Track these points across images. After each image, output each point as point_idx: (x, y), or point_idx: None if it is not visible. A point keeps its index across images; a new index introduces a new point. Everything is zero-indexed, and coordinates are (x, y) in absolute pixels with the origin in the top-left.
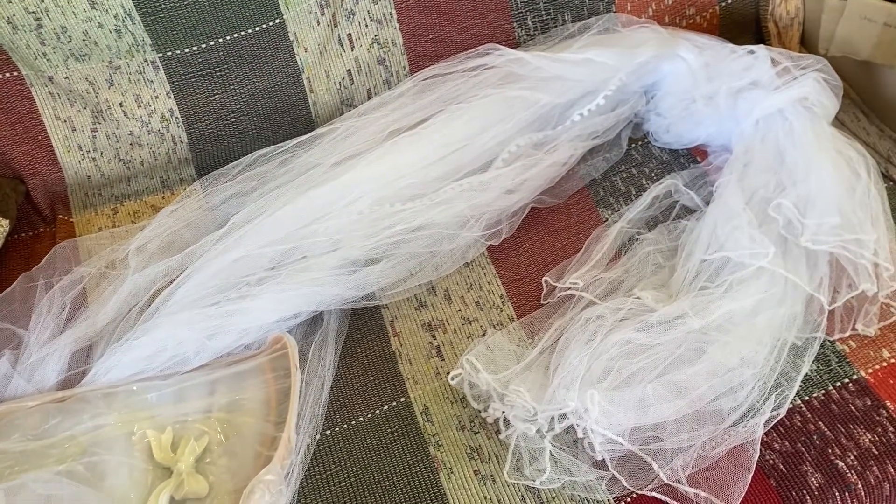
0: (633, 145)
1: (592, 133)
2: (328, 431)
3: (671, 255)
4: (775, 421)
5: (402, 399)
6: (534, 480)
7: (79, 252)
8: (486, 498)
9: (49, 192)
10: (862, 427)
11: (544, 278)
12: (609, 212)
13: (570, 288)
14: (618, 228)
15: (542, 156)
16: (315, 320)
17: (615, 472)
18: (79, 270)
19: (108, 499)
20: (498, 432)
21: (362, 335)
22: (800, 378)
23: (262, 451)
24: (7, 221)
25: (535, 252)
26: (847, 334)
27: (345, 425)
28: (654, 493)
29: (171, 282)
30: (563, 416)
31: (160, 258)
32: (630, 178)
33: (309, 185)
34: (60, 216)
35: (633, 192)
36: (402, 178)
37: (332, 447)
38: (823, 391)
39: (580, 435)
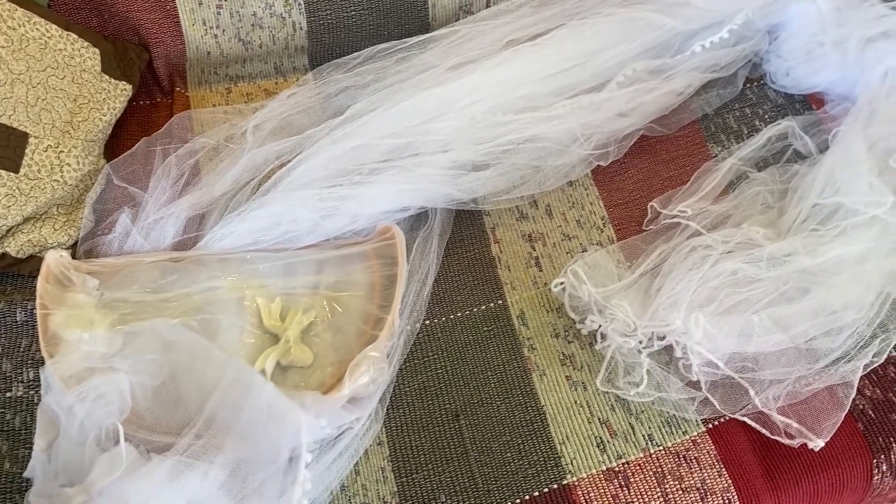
0: (749, 85)
1: (712, 66)
2: (427, 322)
3: (781, 197)
4: (872, 367)
5: (500, 301)
6: (627, 392)
7: (195, 124)
8: (576, 402)
9: (170, 64)
10: None
11: (651, 203)
12: (719, 148)
13: (676, 216)
14: (729, 164)
15: (658, 83)
16: (420, 217)
17: (708, 395)
18: (197, 140)
19: (220, 350)
20: (592, 344)
21: (464, 237)
22: None
23: (367, 329)
24: (130, 86)
25: (640, 179)
26: None
27: (444, 318)
28: (745, 419)
29: (284, 164)
30: (662, 337)
31: (273, 139)
32: (743, 118)
33: (425, 84)
34: (178, 89)
35: (745, 132)
36: (516, 88)
37: (430, 336)
38: None
39: (678, 354)
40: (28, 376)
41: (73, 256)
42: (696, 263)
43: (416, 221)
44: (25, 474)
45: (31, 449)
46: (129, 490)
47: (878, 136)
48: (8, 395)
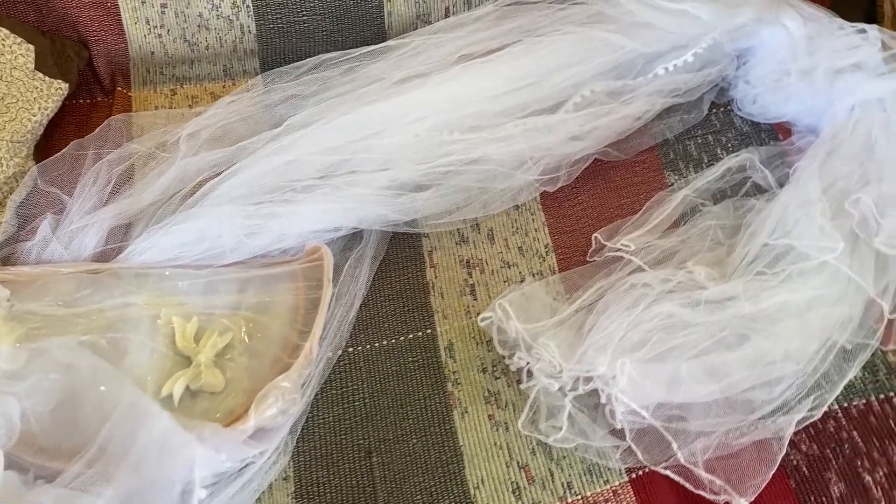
0: (715, 111)
1: (674, 90)
2: (350, 349)
3: (733, 233)
4: (808, 422)
5: (429, 331)
6: (547, 437)
7: (132, 128)
8: (496, 443)
9: (111, 63)
10: None
11: (595, 234)
12: (676, 176)
13: (619, 249)
14: (682, 195)
15: (616, 106)
16: (354, 237)
17: (632, 444)
18: (129, 147)
19: (126, 377)
20: (519, 381)
21: (399, 260)
22: (843, 383)
23: (283, 356)
24: (66, 85)
25: (590, 206)
26: None
27: (368, 346)
28: (667, 472)
29: (219, 174)
30: (589, 379)
31: (210, 148)
32: (705, 145)
33: (370, 98)
34: (120, 88)
35: (706, 160)
36: (465, 106)
37: (352, 365)
38: (864, 401)
39: (603, 401)
40: None
41: None
42: (632, 303)
43: (351, 241)
44: None
45: None
46: None
47: (836, 175)
48: None
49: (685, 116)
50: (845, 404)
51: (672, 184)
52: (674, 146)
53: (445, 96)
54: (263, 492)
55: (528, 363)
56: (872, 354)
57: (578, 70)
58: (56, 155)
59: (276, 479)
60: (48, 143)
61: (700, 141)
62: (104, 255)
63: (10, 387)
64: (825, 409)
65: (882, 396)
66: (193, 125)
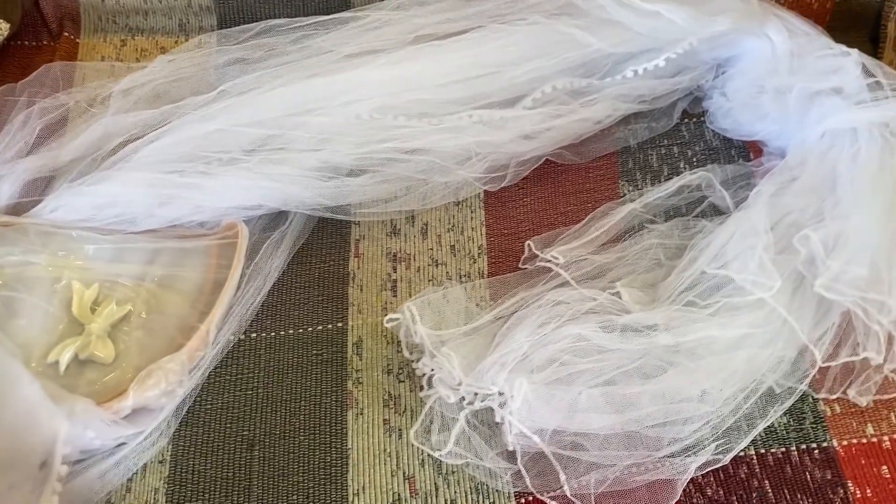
0: (686, 121)
1: (640, 97)
2: (253, 335)
3: (676, 255)
4: (714, 467)
5: (340, 324)
6: (435, 450)
7: (73, 77)
8: (385, 450)
9: (59, 6)
10: (810, 500)
11: (528, 242)
12: (630, 187)
13: (549, 260)
14: (629, 209)
15: (576, 106)
16: (279, 216)
17: (522, 468)
18: (60, 97)
19: (12, 340)
20: (422, 388)
21: (323, 246)
22: (762, 426)
23: (178, 337)
24: (8, 25)
25: (534, 209)
26: (835, 396)
27: (272, 333)
28: (553, 503)
29: (141, 137)
30: (487, 396)
31: (145, 107)
32: (668, 156)
33: (313, 71)
34: (67, 34)
35: (665, 173)
36: (414, 90)
37: (251, 351)
38: (784, 449)
39: (497, 419)
40: None
41: None
42: (545, 320)
43: (274, 220)
44: None
45: None
46: None
47: (791, 207)
48: None
49: (653, 124)
50: (762, 450)
51: (624, 195)
52: (634, 154)
53: (393, 77)
54: (136, 473)
55: (432, 370)
56: (801, 400)
57: (540, 64)
58: None
59: (151, 462)
60: None
61: (664, 152)
62: (19, 208)
63: None
64: (737, 453)
65: (803, 446)
66: (129, 81)
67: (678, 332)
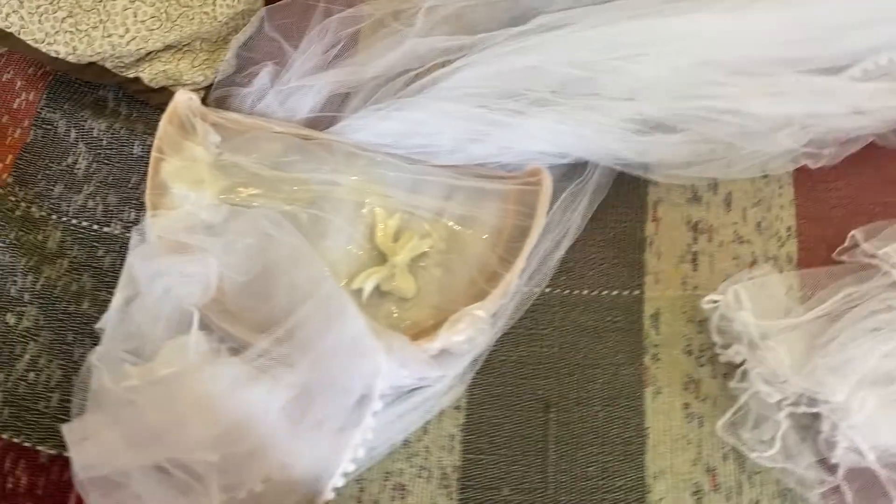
0: None
1: None
2: (549, 289)
3: None
4: None
5: (637, 292)
6: (751, 451)
7: None
8: (685, 437)
9: None
10: None
11: (853, 232)
12: None
13: (876, 256)
14: None
15: None
16: (576, 168)
17: (844, 483)
18: (363, 7)
19: (321, 260)
20: (726, 376)
21: (618, 205)
22: None
23: (479, 280)
24: None
25: (849, 195)
26: None
27: (566, 291)
28: None
29: (448, 62)
30: (815, 401)
31: (444, 28)
32: None
33: (634, 12)
34: None
35: None
36: (737, 45)
37: (546, 307)
38: None
39: (824, 428)
40: (129, 216)
41: (204, 101)
42: (879, 325)
43: (570, 171)
44: (97, 326)
45: (112, 294)
46: (186, 388)
47: None
48: (105, 229)
49: None
50: None
51: None
52: None
53: (717, 29)
54: (432, 418)
55: (744, 361)
56: None
57: (879, 31)
58: (286, 0)
59: (447, 407)
60: None
61: None
62: (316, 122)
63: (209, 243)
64: None
65: None
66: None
67: None
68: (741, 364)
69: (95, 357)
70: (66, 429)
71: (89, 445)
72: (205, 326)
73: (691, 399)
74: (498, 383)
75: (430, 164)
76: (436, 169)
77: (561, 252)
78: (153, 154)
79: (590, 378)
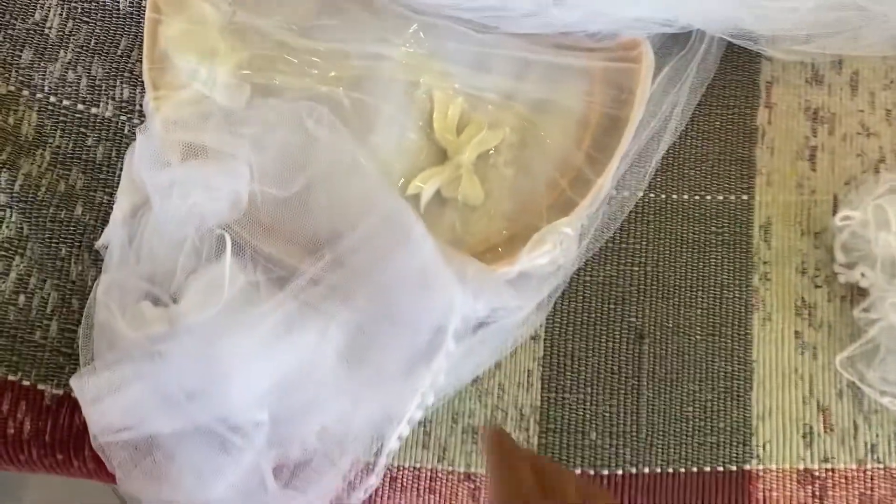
0: None
1: None
2: (640, 194)
3: None
4: None
5: (745, 196)
6: (882, 395)
7: None
8: (797, 370)
9: None
10: None
11: None
12: None
13: None
14: None
15: None
16: (678, 40)
17: None
18: None
19: (370, 161)
20: (846, 299)
21: (726, 87)
22: None
23: (560, 182)
24: None
25: None
26: None
27: (663, 195)
28: None
29: None
30: None
31: None
32: None
33: None
34: None
35: None
36: None
37: (639, 216)
38: None
39: None
40: (121, 94)
41: None
42: None
43: (668, 43)
44: (97, 245)
45: (111, 194)
46: (225, 339)
47: None
48: (93, 111)
49: None
50: None
51: None
52: None
53: None
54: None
55: (870, 286)
56: None
57: None
58: None
59: (523, 339)
60: None
61: None
62: None
63: (234, 144)
64: None
65: None
66: None
67: None
68: (864, 289)
69: (101, 290)
70: (75, 384)
71: (109, 404)
72: (236, 249)
73: (804, 327)
74: (582, 309)
75: (500, 32)
76: (508, 39)
77: (663, 149)
78: (148, 14)
79: (688, 302)
